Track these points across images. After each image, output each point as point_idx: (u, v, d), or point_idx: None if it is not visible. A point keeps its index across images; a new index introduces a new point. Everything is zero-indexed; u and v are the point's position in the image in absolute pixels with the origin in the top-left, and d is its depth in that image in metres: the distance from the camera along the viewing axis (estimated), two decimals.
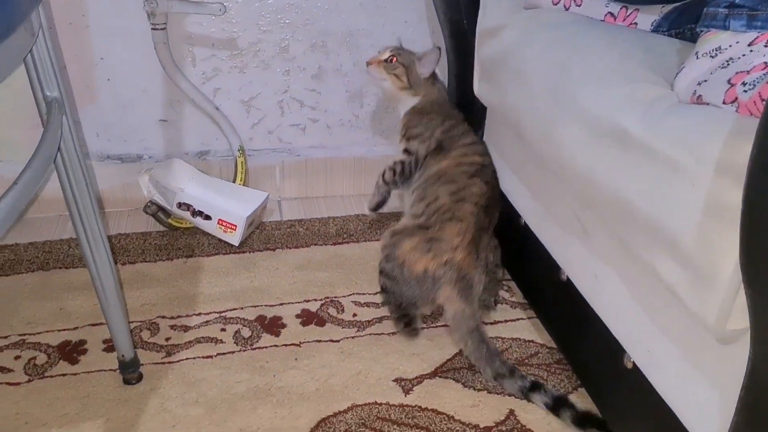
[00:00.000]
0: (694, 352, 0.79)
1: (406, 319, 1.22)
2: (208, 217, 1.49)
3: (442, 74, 1.69)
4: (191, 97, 1.54)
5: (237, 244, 1.49)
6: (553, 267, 1.12)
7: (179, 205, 1.49)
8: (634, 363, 0.90)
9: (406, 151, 1.33)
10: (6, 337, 1.20)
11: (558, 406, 1.07)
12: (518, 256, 1.32)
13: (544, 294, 1.22)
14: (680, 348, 0.81)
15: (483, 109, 1.36)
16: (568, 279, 1.08)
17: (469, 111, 1.41)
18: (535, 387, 1.09)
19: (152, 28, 1.44)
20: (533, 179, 1.20)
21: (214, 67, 1.58)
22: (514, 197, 1.27)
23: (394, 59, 1.33)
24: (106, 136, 1.60)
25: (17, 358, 1.16)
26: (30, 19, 0.76)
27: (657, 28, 1.06)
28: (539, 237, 1.18)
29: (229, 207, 1.48)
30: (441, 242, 1.17)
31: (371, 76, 1.37)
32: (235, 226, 1.47)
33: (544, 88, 1.01)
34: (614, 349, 0.94)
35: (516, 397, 1.11)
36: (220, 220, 1.48)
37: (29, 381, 1.11)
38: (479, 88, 1.31)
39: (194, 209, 1.49)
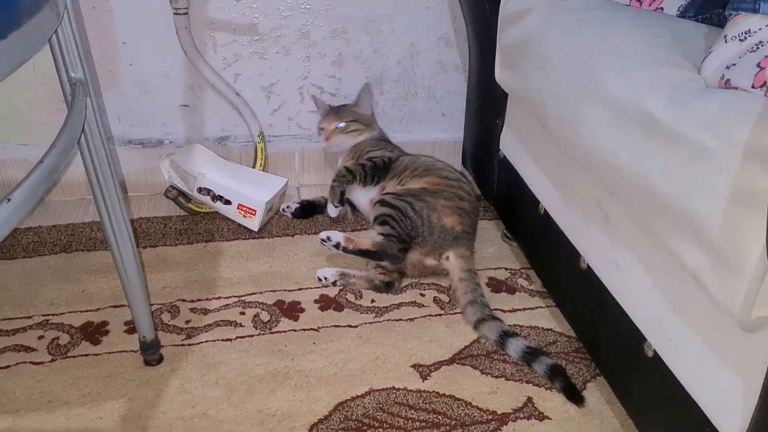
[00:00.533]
0: (717, 340, 0.78)
1: (405, 253, 1.33)
2: (228, 202, 1.49)
3: (463, 61, 1.68)
4: (212, 83, 1.55)
5: (256, 230, 1.50)
6: (573, 255, 1.11)
7: (200, 190, 1.50)
8: (654, 351, 0.89)
9: (370, 159, 1.49)
10: (30, 317, 1.22)
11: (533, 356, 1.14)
12: (537, 244, 1.32)
13: (563, 282, 1.21)
14: (703, 336, 0.80)
15: (504, 96, 1.35)
16: (588, 267, 1.07)
17: (489, 98, 1.41)
18: (511, 334, 1.18)
19: (174, 13, 1.44)
20: (554, 166, 1.19)
21: (235, 53, 1.58)
22: (533, 184, 1.27)
23: (344, 122, 1.54)
24: (128, 121, 1.61)
25: (41, 338, 1.18)
26: (55, 0, 0.77)
27: (683, 14, 1.04)
28: (559, 225, 1.17)
29: (249, 192, 1.49)
30: (469, 214, 1.38)
31: (335, 147, 1.54)
32: (255, 211, 1.48)
33: (567, 73, 1.00)
34: (634, 338, 0.93)
35: (534, 384, 1.11)
36: (239, 205, 1.49)
37: (52, 360, 1.13)
38: (501, 75, 1.30)
39: (214, 194, 1.50)
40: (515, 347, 1.15)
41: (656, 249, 0.87)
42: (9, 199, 0.61)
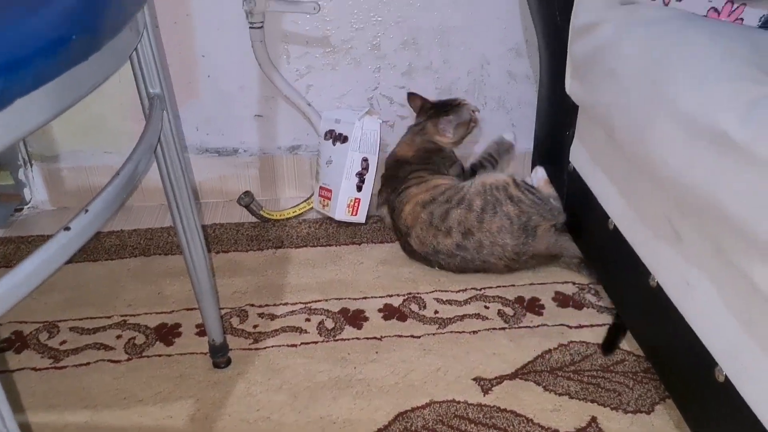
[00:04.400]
0: None
1: None
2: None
3: (534, 71, 1.66)
4: (285, 94, 1.59)
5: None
6: (643, 272, 1.08)
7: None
8: (726, 377, 0.86)
9: None
10: (110, 317, 1.29)
11: None
12: (606, 259, 1.28)
13: (632, 300, 1.18)
14: None
15: (574, 108, 1.33)
16: (658, 285, 1.04)
17: (560, 110, 1.38)
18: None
19: (250, 27, 1.49)
20: (624, 181, 1.16)
21: (308, 65, 1.62)
22: (603, 199, 1.24)
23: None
24: (205, 130, 1.67)
25: (119, 337, 1.24)
26: (135, 19, 0.81)
27: (765, 24, 1.00)
28: (629, 240, 1.13)
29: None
30: None
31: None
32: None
33: (638, 87, 0.97)
34: (705, 361, 0.90)
35: (599, 403, 1.08)
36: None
37: (129, 359, 1.19)
38: (571, 86, 1.28)
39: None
40: None
41: (729, 269, 0.84)
42: (86, 210, 0.65)
